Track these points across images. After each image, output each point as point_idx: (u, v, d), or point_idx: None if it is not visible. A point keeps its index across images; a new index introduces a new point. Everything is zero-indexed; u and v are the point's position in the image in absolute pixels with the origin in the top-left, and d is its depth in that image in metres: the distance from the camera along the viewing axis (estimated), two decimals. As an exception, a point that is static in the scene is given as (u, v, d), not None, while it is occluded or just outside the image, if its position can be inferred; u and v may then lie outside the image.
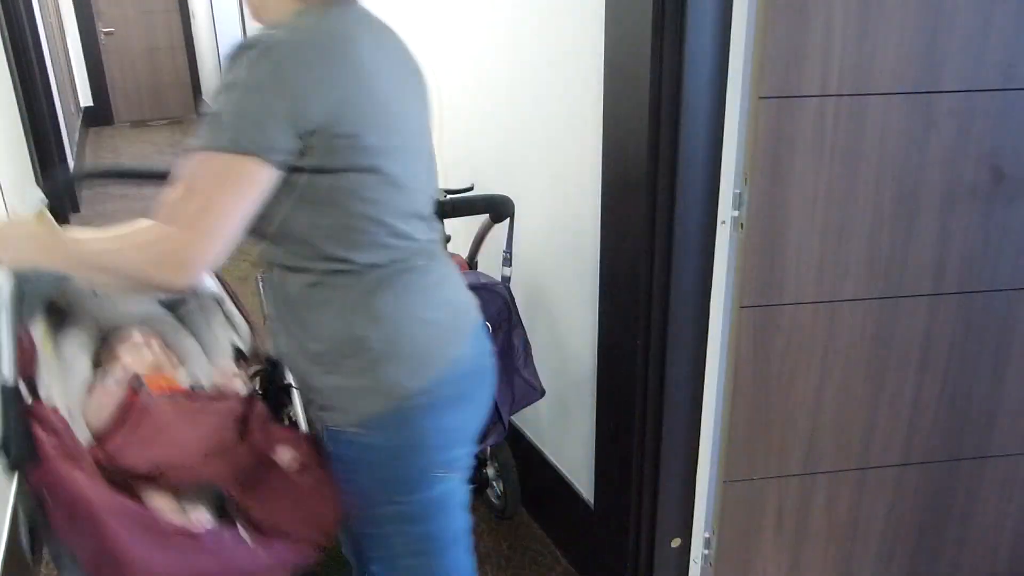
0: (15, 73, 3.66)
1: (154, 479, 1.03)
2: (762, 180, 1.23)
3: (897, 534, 1.51)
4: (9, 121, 3.33)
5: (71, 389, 1.23)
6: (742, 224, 1.26)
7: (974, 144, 1.25)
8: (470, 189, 1.91)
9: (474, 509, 2.07)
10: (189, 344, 1.42)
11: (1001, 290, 1.35)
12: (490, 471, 2.02)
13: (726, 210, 1.28)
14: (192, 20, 8.06)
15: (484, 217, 1.65)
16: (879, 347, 1.36)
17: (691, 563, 1.55)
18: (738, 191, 1.25)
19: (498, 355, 1.58)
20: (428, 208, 1.09)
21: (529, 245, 1.84)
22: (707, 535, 1.50)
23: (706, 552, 1.51)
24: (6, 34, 3.56)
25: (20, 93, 3.70)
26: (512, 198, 1.57)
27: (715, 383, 1.39)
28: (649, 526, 1.54)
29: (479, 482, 2.01)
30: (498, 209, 1.57)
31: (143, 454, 1.07)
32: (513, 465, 1.94)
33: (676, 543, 1.56)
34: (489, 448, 1.97)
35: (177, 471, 1.05)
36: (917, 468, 1.46)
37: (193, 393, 1.30)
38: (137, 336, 1.35)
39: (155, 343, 1.36)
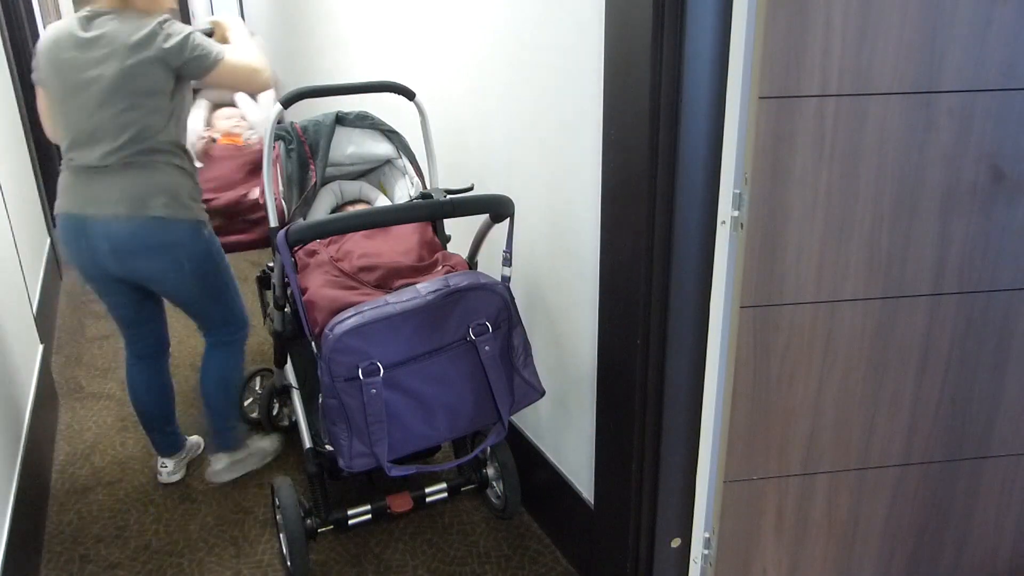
0: (15, 73, 3.66)
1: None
2: (762, 180, 1.23)
3: (897, 534, 1.51)
4: (9, 121, 3.33)
5: (191, 135, 2.25)
6: (742, 224, 1.26)
7: (974, 144, 1.25)
8: (470, 189, 1.91)
9: (474, 509, 2.09)
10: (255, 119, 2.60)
11: (1001, 290, 1.35)
12: (490, 471, 2.02)
13: (726, 210, 1.28)
14: (192, 20, 8.05)
15: (484, 217, 1.65)
16: (879, 347, 1.36)
17: (691, 563, 1.55)
18: (738, 191, 1.25)
19: (498, 355, 1.59)
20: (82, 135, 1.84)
21: (529, 245, 1.84)
22: (707, 535, 1.50)
23: (706, 552, 1.51)
24: (6, 34, 3.56)
25: (20, 93, 3.70)
26: (512, 198, 1.57)
27: (715, 383, 1.39)
28: (649, 526, 1.54)
29: (479, 482, 2.01)
30: (498, 209, 1.57)
31: (205, 175, 2.28)
32: (513, 465, 1.94)
33: (676, 543, 1.56)
34: (489, 448, 1.97)
35: (220, 184, 2.37)
36: (917, 468, 1.46)
37: (242, 147, 2.52)
38: (227, 111, 2.65)
39: (237, 115, 2.63)
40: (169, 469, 2.25)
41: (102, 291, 1.98)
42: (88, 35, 1.79)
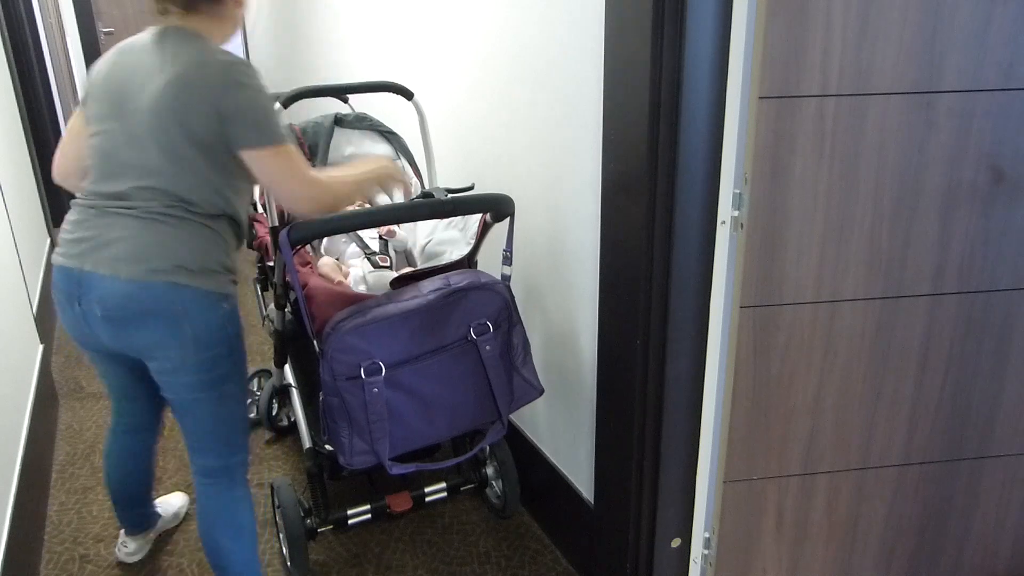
0: (15, 73, 3.66)
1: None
2: (762, 180, 1.23)
3: (897, 534, 1.51)
4: (9, 121, 3.33)
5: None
6: (742, 224, 1.26)
7: (974, 144, 1.25)
8: (470, 188, 1.91)
9: (474, 509, 2.09)
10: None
11: (1001, 290, 1.35)
12: (489, 470, 2.02)
13: (726, 210, 1.28)
14: (192, 20, 8.05)
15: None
16: (879, 347, 1.36)
17: (691, 563, 1.56)
18: (738, 191, 1.25)
19: (498, 354, 1.59)
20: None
21: (529, 244, 1.84)
22: (707, 535, 1.50)
23: (706, 552, 1.51)
24: (6, 34, 3.56)
25: (20, 93, 3.70)
26: (512, 197, 1.57)
27: (715, 383, 1.39)
28: (649, 526, 1.54)
29: (478, 481, 2.01)
30: (498, 208, 1.57)
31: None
32: (512, 463, 1.94)
33: (676, 543, 1.56)
34: (488, 447, 1.97)
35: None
36: (917, 468, 1.46)
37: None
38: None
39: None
40: (129, 550, 1.93)
41: (95, 362, 1.64)
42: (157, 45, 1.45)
